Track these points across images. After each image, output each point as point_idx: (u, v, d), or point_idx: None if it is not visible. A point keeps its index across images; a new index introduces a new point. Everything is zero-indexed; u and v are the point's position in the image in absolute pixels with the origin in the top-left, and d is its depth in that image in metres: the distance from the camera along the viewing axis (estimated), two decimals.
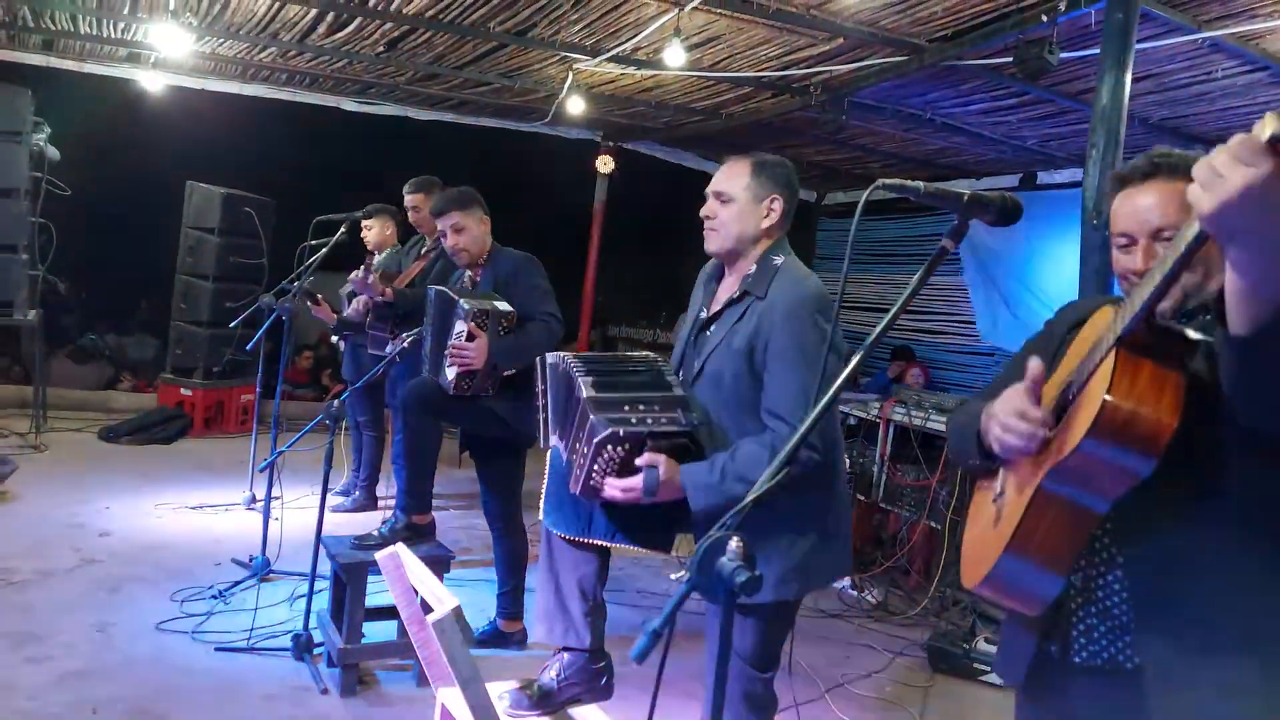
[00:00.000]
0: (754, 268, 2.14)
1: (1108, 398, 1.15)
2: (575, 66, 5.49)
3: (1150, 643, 1.26)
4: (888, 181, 1.33)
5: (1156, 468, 1.17)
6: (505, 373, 3.12)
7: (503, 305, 3.13)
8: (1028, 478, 1.30)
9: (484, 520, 3.55)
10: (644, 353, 2.33)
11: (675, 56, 4.64)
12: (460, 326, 3.07)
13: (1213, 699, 1.21)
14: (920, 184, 1.34)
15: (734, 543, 1.19)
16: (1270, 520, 1.24)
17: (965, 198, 1.34)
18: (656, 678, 1.24)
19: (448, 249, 3.42)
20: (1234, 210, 0.96)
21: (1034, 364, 1.30)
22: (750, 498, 1.23)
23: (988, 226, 1.41)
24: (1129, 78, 3.76)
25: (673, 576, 1.25)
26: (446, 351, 3.11)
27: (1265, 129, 0.93)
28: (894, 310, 1.34)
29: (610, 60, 5.26)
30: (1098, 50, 3.91)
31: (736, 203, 2.14)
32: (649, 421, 2.03)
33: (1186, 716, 1.22)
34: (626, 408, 2.04)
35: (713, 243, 2.18)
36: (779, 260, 2.14)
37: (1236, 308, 1.05)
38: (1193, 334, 1.22)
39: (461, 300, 3.10)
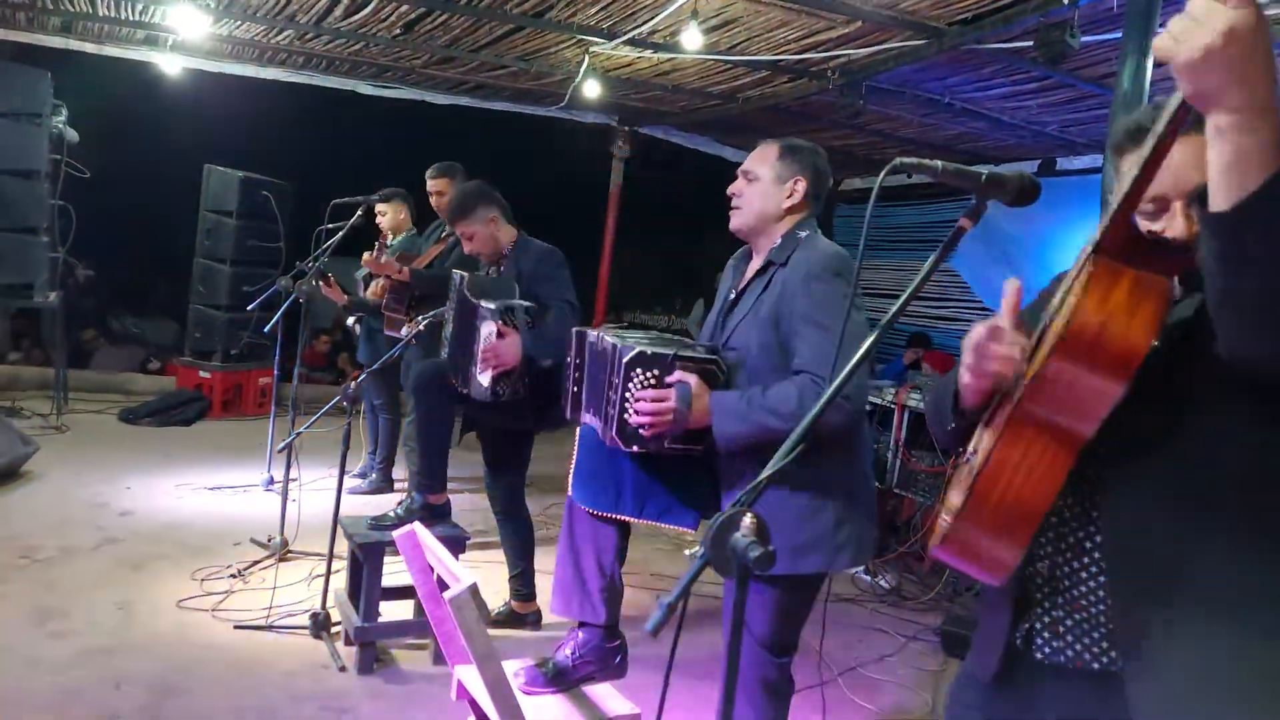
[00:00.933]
0: (779, 241, 2.19)
1: (1085, 307, 1.06)
2: (592, 49, 5.47)
3: (1130, 637, 1.14)
4: (905, 160, 1.32)
5: (1131, 438, 1.11)
6: (543, 364, 3.07)
7: (520, 300, 3.12)
8: (1000, 413, 1.20)
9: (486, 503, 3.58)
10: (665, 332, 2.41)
11: (692, 39, 4.61)
12: (489, 328, 3.00)
13: (1206, 691, 1.08)
14: (939, 163, 1.33)
15: (748, 518, 1.19)
16: (1261, 491, 1.11)
17: (984, 177, 1.33)
18: (670, 650, 1.25)
19: (466, 253, 3.49)
20: (1216, 59, 0.89)
21: (1010, 283, 1.23)
22: (766, 473, 1.23)
23: (1006, 211, 1.40)
24: (1150, 62, 3.71)
25: (686, 553, 1.25)
26: (479, 357, 3.03)
27: None
28: (913, 286, 1.32)
29: (627, 43, 5.23)
30: (1119, 34, 3.86)
31: (761, 181, 2.21)
32: (674, 349, 2.13)
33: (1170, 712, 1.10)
34: (652, 343, 2.16)
35: (736, 219, 2.24)
36: (803, 234, 2.19)
37: (1221, 187, 0.96)
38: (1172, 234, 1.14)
39: (482, 302, 3.04)
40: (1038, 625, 1.24)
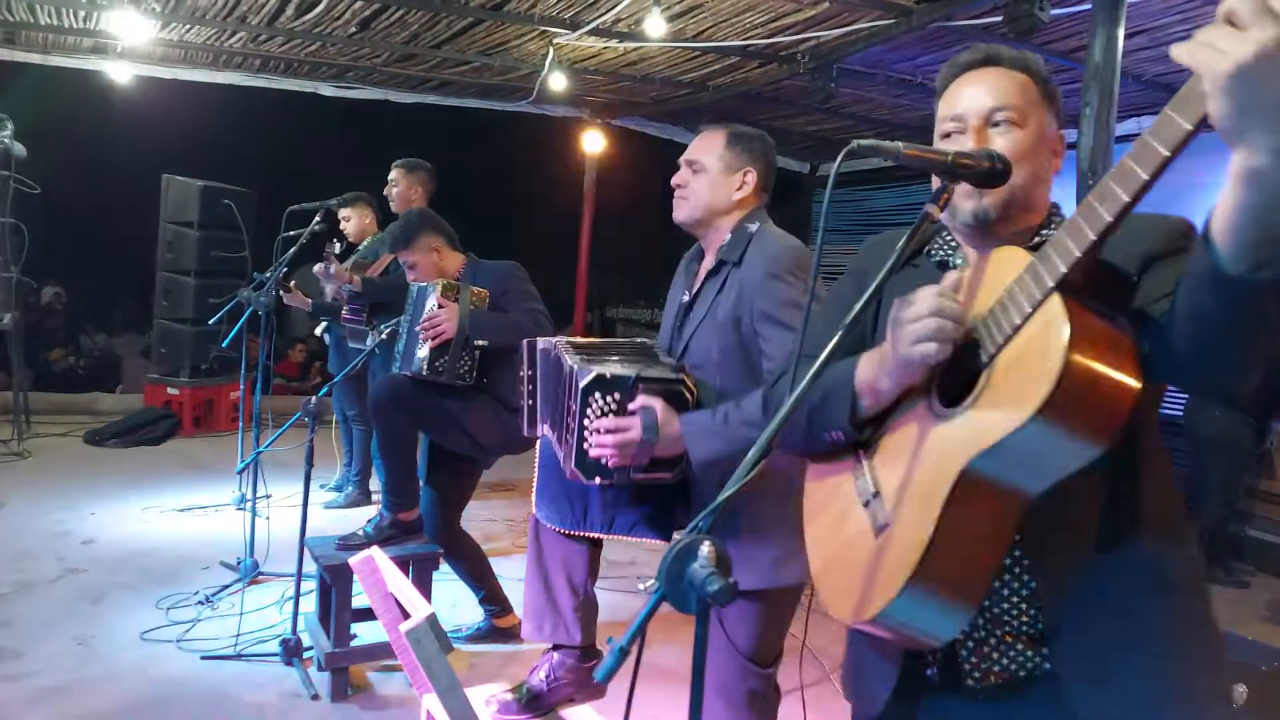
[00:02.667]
0: (729, 237, 2.06)
1: (1074, 357, 0.92)
2: (555, 41, 5.34)
3: (1062, 645, 1.11)
4: (862, 143, 1.17)
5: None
6: (478, 342, 3.00)
7: (475, 287, 3.09)
8: (930, 465, 1.07)
9: (476, 511, 3.46)
10: (639, 339, 2.27)
11: (656, 27, 4.49)
12: (431, 301, 3.02)
13: (1139, 689, 1.10)
14: (899, 145, 1.20)
15: (706, 547, 1.07)
16: (1160, 488, 1.15)
17: (949, 158, 1.22)
18: (628, 698, 1.13)
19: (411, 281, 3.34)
20: (1259, 78, 0.75)
21: (950, 277, 1.11)
22: (722, 498, 1.11)
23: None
24: (1121, 33, 3.64)
25: (640, 587, 1.13)
26: (418, 329, 3.02)
27: None
28: (878, 279, 1.21)
29: (590, 33, 5.10)
30: (1090, 5, 3.78)
31: (708, 172, 2.08)
32: (635, 369, 1.97)
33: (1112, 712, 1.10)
34: (612, 361, 2.02)
35: (681, 211, 2.11)
36: (753, 227, 2.06)
37: (1236, 234, 0.85)
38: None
39: (430, 284, 3.07)
40: (963, 652, 1.17)
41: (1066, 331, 0.93)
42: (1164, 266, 1.08)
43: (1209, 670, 1.17)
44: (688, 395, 1.96)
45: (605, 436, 1.89)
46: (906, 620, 1.08)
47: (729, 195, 2.08)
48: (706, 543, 1.06)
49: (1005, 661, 1.16)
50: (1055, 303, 0.97)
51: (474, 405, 3.06)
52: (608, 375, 1.90)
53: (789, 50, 5.36)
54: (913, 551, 1.05)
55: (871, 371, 1.20)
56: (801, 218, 8.98)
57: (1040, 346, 0.97)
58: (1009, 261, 1.08)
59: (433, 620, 1.77)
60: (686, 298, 2.15)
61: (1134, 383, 0.95)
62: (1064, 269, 0.96)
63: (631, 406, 1.91)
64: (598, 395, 1.91)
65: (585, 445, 1.92)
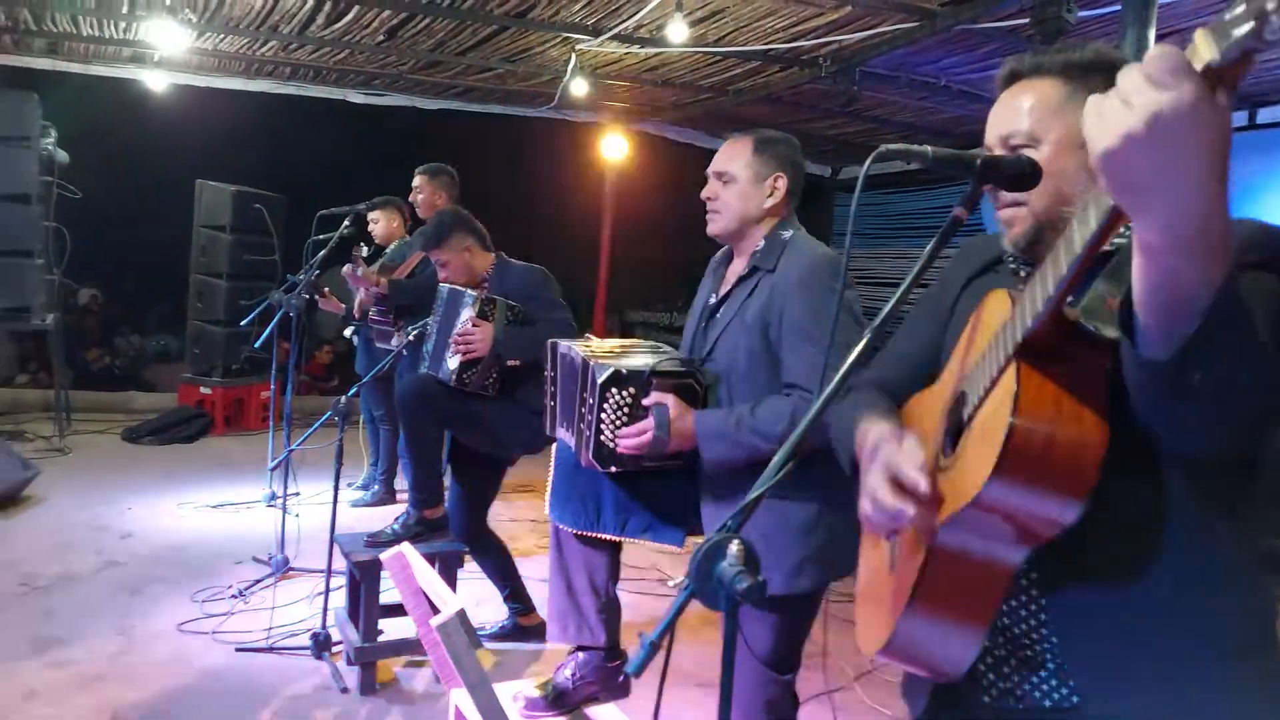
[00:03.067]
0: (762, 243, 2.09)
1: (1014, 420, 0.92)
2: (578, 47, 5.40)
3: (1081, 677, 1.07)
4: (891, 147, 1.19)
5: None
6: (509, 362, 3.06)
7: (512, 301, 3.10)
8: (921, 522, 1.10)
9: (499, 511, 3.51)
10: (656, 343, 2.32)
11: (678, 32, 4.53)
12: (466, 314, 3.04)
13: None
14: (928, 149, 1.22)
15: (734, 546, 1.12)
16: (1204, 525, 1.06)
17: (978, 161, 1.24)
18: (658, 694, 1.18)
19: (442, 281, 3.39)
20: (1140, 150, 0.71)
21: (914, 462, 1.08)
22: (751, 497, 1.16)
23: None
24: (1152, 34, 3.61)
25: (669, 584, 1.18)
26: (450, 339, 3.07)
27: (1200, 51, 0.70)
28: (905, 284, 1.21)
29: (613, 39, 5.15)
30: (1118, 7, 3.77)
31: (738, 182, 2.09)
32: (649, 363, 2.04)
33: None
34: (626, 359, 2.08)
35: (715, 224, 2.12)
36: (787, 235, 2.08)
37: (1151, 313, 0.81)
38: (1111, 333, 0.96)
39: (468, 291, 3.10)
40: (981, 667, 1.14)
41: (1009, 408, 0.92)
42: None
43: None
44: (698, 388, 2.03)
45: (625, 438, 1.97)
46: (907, 653, 1.12)
47: (760, 203, 2.08)
48: (735, 541, 1.10)
49: (1028, 687, 1.11)
50: (1010, 372, 0.96)
51: (498, 406, 3.12)
52: (623, 371, 1.98)
53: (811, 54, 5.38)
54: (901, 598, 1.09)
55: (866, 453, 1.21)
56: (824, 221, 8.97)
57: (992, 422, 0.97)
58: (996, 310, 1.08)
59: (463, 616, 1.83)
60: (714, 299, 2.17)
61: (1096, 443, 0.93)
62: (1019, 337, 0.95)
63: (646, 402, 1.98)
64: (614, 390, 1.98)
65: (601, 436, 2.00)
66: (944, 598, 1.06)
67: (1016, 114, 1.20)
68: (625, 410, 1.98)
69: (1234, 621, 1.07)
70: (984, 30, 4.76)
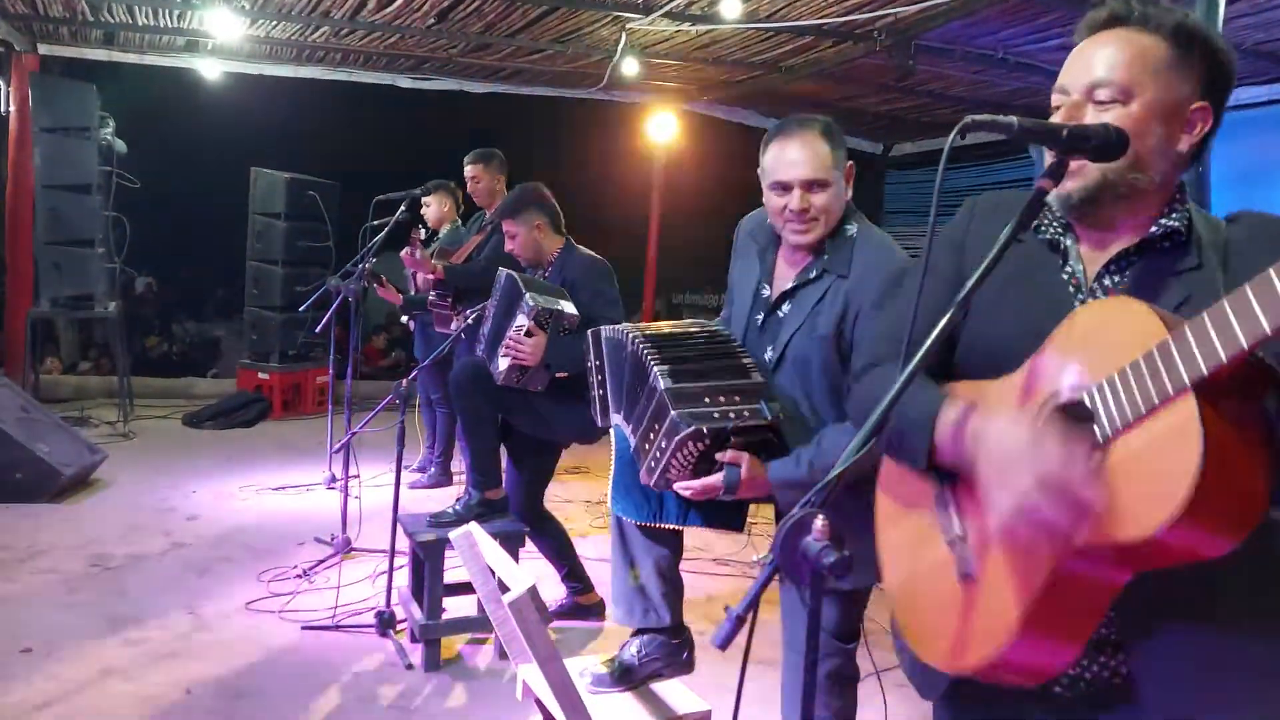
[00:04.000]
0: (827, 241, 1.98)
1: (1203, 466, 0.86)
2: (628, 26, 5.36)
3: (1143, 660, 1.08)
4: (978, 118, 1.15)
5: None
6: (558, 375, 3.07)
7: (568, 307, 3.06)
8: (1018, 538, 1.04)
9: (553, 492, 3.51)
10: (708, 324, 2.20)
11: (731, 8, 4.47)
12: (521, 321, 3.01)
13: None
14: (1014, 119, 1.18)
15: (819, 521, 1.09)
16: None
17: (1065, 132, 1.19)
18: (741, 666, 1.16)
19: (508, 251, 3.42)
20: None
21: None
22: (835, 472, 1.13)
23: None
24: (1223, 0, 3.47)
25: (754, 559, 1.16)
26: (504, 342, 3.07)
27: None
28: (984, 266, 1.17)
29: (664, 17, 5.10)
30: None
31: (832, 185, 1.94)
32: (731, 416, 1.89)
33: None
34: (707, 400, 1.92)
35: (814, 234, 1.95)
36: (852, 230, 1.98)
37: None
38: None
39: (528, 295, 3.03)
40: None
41: (1199, 452, 0.86)
42: None
43: None
44: (776, 441, 1.94)
45: (693, 487, 1.92)
46: (1011, 670, 1.08)
47: (845, 198, 1.98)
48: (820, 516, 1.08)
49: (1096, 668, 1.13)
50: (1189, 409, 0.88)
51: (552, 393, 3.12)
52: (705, 430, 1.86)
53: (865, 28, 5.27)
54: (1006, 622, 1.05)
55: (953, 440, 1.14)
56: (874, 200, 8.83)
57: (1166, 457, 0.90)
58: (1125, 320, 0.99)
59: (534, 592, 1.83)
60: (767, 291, 2.07)
61: (1264, 488, 0.90)
62: (1204, 370, 0.87)
63: (719, 457, 1.90)
64: (690, 444, 1.88)
65: (669, 475, 1.94)
66: (1056, 618, 1.03)
67: (1112, 63, 1.13)
68: (695, 458, 1.92)
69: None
70: None
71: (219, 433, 6.44)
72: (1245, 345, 0.84)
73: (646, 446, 2.00)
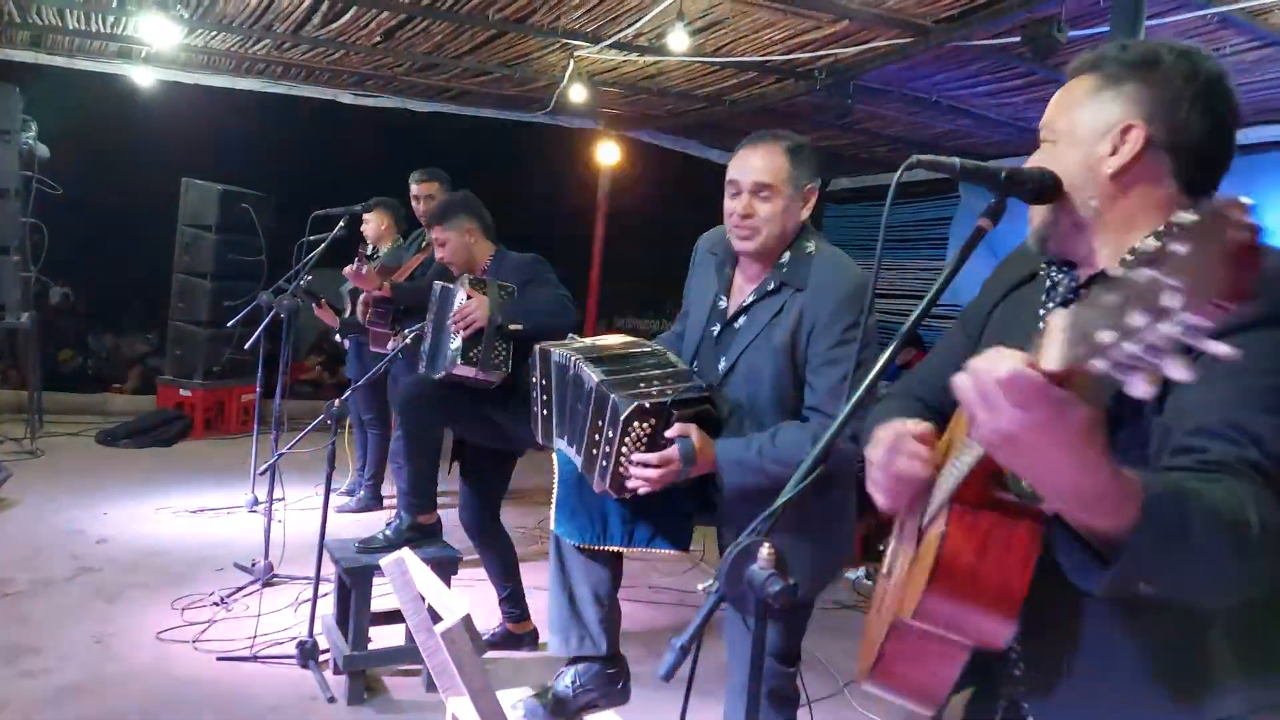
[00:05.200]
0: (787, 257, 2.00)
1: (937, 566, 0.99)
2: (576, 54, 5.38)
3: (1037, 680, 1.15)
4: (923, 158, 1.22)
5: None
6: (512, 326, 3.00)
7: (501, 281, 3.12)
8: (894, 596, 1.15)
9: None
10: (647, 343, 2.22)
11: (679, 41, 4.52)
12: (459, 296, 3.04)
13: None
14: (956, 160, 1.24)
15: (765, 549, 1.10)
16: None
17: (1002, 174, 1.24)
18: (685, 693, 1.15)
19: (438, 261, 3.41)
20: (1007, 453, 0.82)
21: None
22: (780, 502, 1.14)
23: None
24: None
25: (699, 587, 1.15)
26: (449, 322, 3.04)
27: (1049, 353, 0.76)
28: (930, 296, 1.23)
29: (612, 47, 5.15)
30: (1107, 28, 3.82)
31: (780, 197, 1.95)
32: (669, 393, 1.94)
33: None
34: (642, 385, 1.97)
35: (753, 243, 1.98)
36: (810, 247, 2.01)
37: (1077, 543, 0.90)
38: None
39: (460, 279, 3.11)
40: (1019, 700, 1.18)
41: (932, 559, 0.99)
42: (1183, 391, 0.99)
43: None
44: (714, 413, 1.98)
45: (649, 471, 1.91)
46: (889, 690, 1.15)
47: (798, 218, 1.99)
48: (766, 545, 1.08)
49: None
50: (942, 521, 1.00)
51: (505, 401, 3.07)
52: (647, 405, 1.88)
53: (806, 67, 5.40)
54: (872, 653, 1.14)
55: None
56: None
57: (928, 550, 1.02)
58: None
59: (468, 621, 1.78)
60: (724, 304, 2.10)
61: (1020, 579, 0.98)
62: (952, 489, 0.99)
63: (669, 434, 1.91)
64: (636, 424, 1.90)
65: (620, 468, 1.93)
66: (912, 657, 1.10)
67: (1050, 105, 1.23)
68: (644, 442, 1.92)
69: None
70: (975, 48, 4.81)
71: (135, 452, 6.16)
72: (964, 474, 0.96)
73: (594, 451, 1.99)
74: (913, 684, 1.11)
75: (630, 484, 1.94)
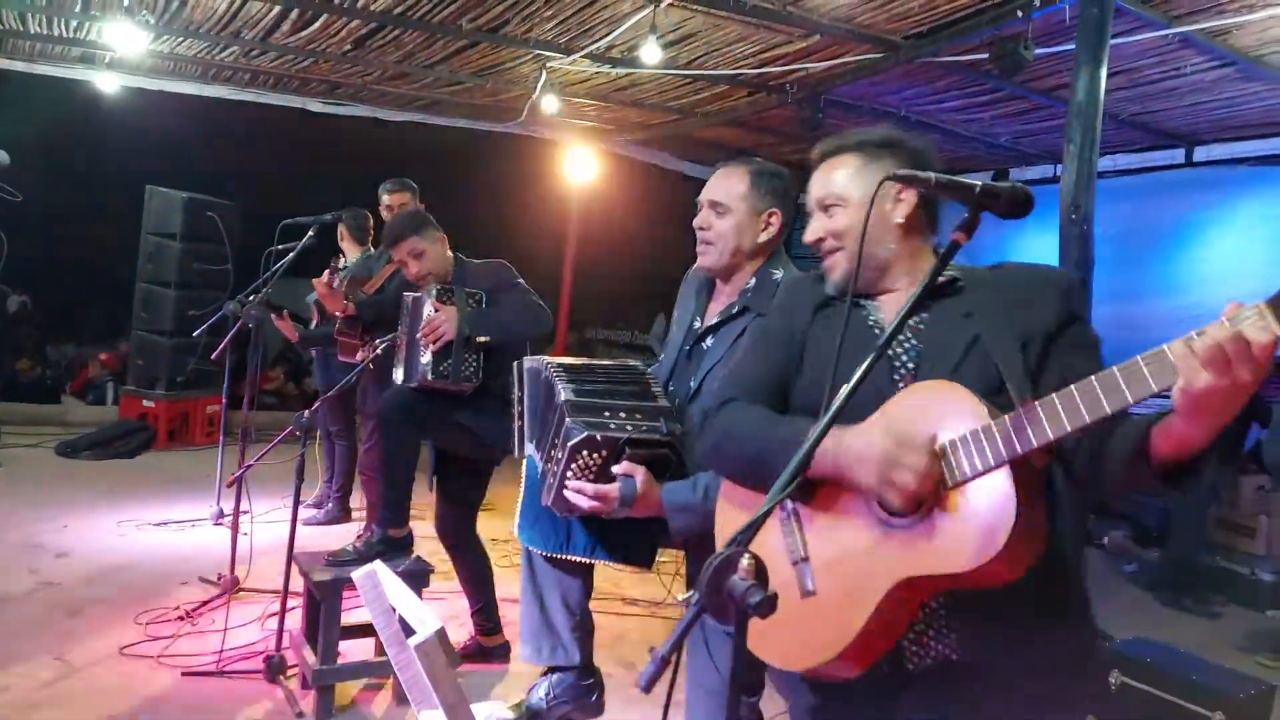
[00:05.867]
0: (753, 281, 2.03)
1: (1018, 513, 1.13)
2: (549, 65, 5.40)
3: (969, 639, 1.29)
4: (898, 173, 1.26)
5: None
6: (479, 339, 2.98)
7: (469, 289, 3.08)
8: (866, 565, 1.26)
9: None
10: (631, 361, 2.24)
11: (651, 54, 4.56)
12: (428, 308, 3.01)
13: (1024, 677, 1.28)
14: (931, 175, 1.27)
15: (745, 560, 1.10)
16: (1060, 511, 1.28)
17: (977, 189, 1.27)
18: (665, 704, 1.15)
19: (411, 278, 3.27)
20: (1226, 398, 0.99)
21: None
22: (761, 512, 1.14)
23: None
24: (1104, 73, 3.76)
25: (679, 598, 1.16)
26: (419, 336, 3.01)
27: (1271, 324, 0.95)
28: (903, 311, 1.25)
29: (584, 58, 5.17)
30: (1072, 46, 3.91)
31: (734, 214, 2.00)
32: (628, 428, 1.93)
33: (1007, 694, 1.28)
34: (607, 414, 1.95)
35: (708, 257, 2.04)
36: (778, 274, 2.02)
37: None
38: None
39: (427, 289, 3.07)
40: (903, 642, 1.32)
41: (1013, 510, 1.13)
42: (1062, 352, 1.30)
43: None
44: (673, 459, 1.96)
45: (581, 499, 1.91)
46: (834, 670, 1.30)
47: (754, 238, 2.01)
48: (746, 556, 1.08)
49: (940, 647, 1.31)
50: (1004, 477, 1.14)
51: (481, 406, 3.05)
52: (598, 437, 1.88)
53: (778, 80, 5.47)
54: (843, 634, 1.25)
55: (830, 456, 1.30)
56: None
57: (990, 511, 1.15)
58: (951, 396, 1.23)
59: (442, 634, 1.77)
60: (699, 324, 2.12)
61: (1044, 536, 1.18)
62: (1018, 450, 1.13)
63: (615, 469, 1.91)
64: (584, 453, 1.89)
65: (564, 490, 1.93)
66: (882, 629, 1.26)
67: (830, 181, 1.48)
68: (592, 472, 1.92)
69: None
70: (943, 64, 4.90)
71: (96, 463, 6.03)
72: (1050, 437, 1.11)
73: (548, 465, 1.99)
74: (890, 632, 1.25)
75: (570, 501, 1.94)
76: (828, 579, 1.27)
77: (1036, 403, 1.13)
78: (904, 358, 1.41)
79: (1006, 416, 1.16)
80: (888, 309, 1.47)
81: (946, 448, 1.20)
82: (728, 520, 1.53)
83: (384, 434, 3.17)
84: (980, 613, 1.27)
